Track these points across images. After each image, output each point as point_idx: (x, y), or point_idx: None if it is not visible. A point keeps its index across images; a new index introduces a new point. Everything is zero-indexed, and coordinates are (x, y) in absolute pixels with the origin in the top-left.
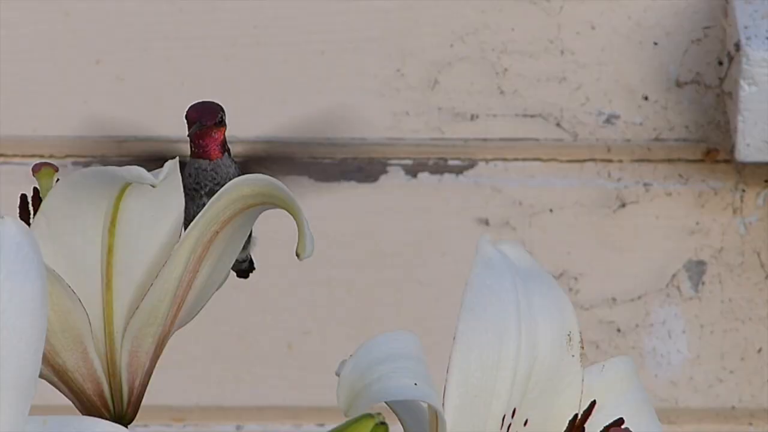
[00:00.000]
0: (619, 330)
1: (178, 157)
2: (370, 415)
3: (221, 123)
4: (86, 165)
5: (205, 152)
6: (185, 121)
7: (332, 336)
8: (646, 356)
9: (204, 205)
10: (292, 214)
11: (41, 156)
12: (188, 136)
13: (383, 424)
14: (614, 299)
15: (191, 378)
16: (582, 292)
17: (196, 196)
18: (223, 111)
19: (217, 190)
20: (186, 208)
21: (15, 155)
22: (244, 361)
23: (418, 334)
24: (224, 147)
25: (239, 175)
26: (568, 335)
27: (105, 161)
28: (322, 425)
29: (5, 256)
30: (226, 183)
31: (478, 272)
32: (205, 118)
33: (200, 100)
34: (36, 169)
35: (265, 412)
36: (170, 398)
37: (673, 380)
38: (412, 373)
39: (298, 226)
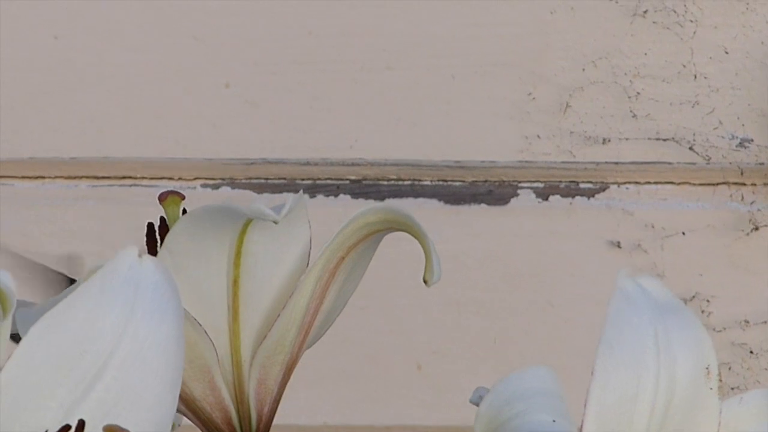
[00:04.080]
0: (752, 352)
1: (302, 191)
2: None
3: None
4: (215, 187)
5: None
6: None
7: (462, 357)
8: None
9: None
10: (418, 240)
11: (170, 178)
12: None
13: None
14: (747, 321)
15: (319, 397)
16: (714, 314)
17: None
18: None
19: None
20: None
21: (143, 177)
22: (373, 381)
23: (548, 357)
24: None
25: None
26: (707, 368)
27: (234, 184)
28: None
29: (143, 296)
30: None
31: (617, 306)
32: None
33: None
34: (162, 198)
35: None
36: (298, 418)
37: None
38: (551, 409)
39: (424, 251)
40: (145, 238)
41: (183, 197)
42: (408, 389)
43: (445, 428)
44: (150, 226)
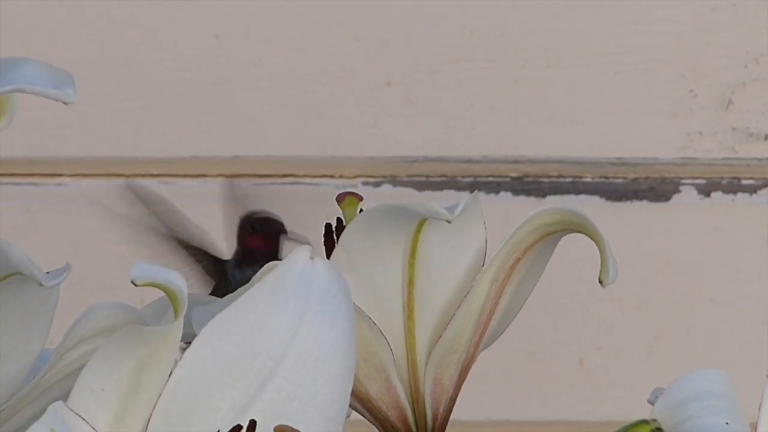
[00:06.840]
0: None
1: (477, 191)
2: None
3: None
4: (376, 185)
5: None
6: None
7: (623, 353)
8: None
9: None
10: (594, 240)
11: (331, 176)
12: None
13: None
14: None
15: (482, 393)
16: None
17: None
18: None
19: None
20: None
21: (305, 175)
22: (535, 376)
23: (710, 354)
24: None
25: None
26: None
27: (395, 182)
28: None
29: (314, 297)
30: None
31: None
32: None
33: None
34: (340, 199)
35: (554, 427)
36: (461, 414)
37: None
38: (724, 412)
39: (600, 252)
40: (305, 235)
41: (361, 198)
42: (570, 385)
43: (607, 423)
44: (328, 226)
